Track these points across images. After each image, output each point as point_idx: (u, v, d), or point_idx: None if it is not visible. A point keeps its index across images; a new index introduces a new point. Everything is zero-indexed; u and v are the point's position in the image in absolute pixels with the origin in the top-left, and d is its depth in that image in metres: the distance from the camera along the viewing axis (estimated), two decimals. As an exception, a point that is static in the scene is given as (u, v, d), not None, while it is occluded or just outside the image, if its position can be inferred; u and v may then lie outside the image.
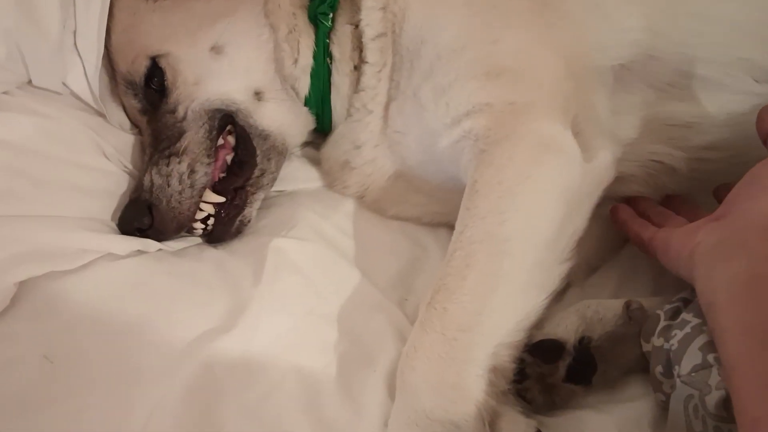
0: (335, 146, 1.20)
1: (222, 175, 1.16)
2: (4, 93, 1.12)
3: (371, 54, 1.12)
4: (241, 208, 1.15)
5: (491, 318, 0.84)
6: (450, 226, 1.09)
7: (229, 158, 1.17)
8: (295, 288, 1.02)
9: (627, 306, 0.93)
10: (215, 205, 1.13)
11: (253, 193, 1.17)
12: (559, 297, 0.99)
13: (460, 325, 0.84)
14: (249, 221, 1.17)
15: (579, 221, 0.93)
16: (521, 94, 0.97)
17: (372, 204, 1.21)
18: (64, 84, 1.17)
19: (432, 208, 1.19)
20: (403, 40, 1.07)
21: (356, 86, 1.16)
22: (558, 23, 1.03)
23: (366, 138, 1.15)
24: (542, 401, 0.90)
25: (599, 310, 0.94)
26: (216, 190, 1.14)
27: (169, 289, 1.01)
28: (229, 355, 0.91)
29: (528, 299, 0.87)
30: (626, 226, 1.02)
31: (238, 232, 1.16)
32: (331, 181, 1.23)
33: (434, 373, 0.82)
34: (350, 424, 0.87)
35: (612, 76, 1.04)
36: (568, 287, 1.06)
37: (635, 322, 0.92)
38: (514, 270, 0.87)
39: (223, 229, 1.14)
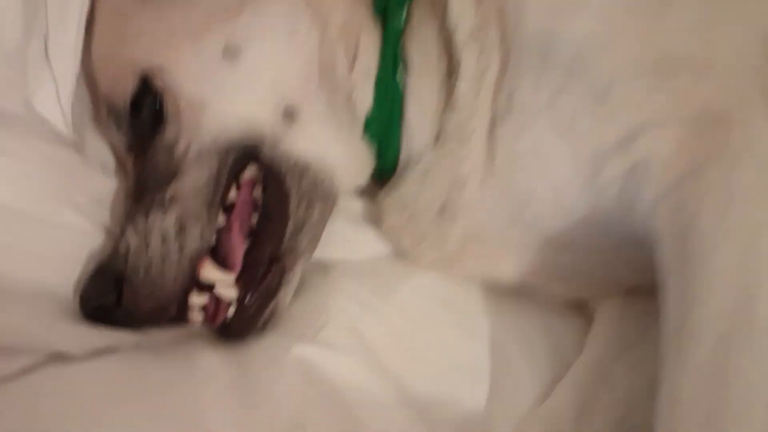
0: (424, 186, 0.87)
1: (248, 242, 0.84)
2: (-56, 116, 0.83)
3: (467, 58, 0.82)
4: (273, 291, 0.82)
5: None
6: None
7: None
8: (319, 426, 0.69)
9: None
10: (239, 285, 0.81)
11: (292, 267, 0.83)
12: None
13: None
14: (281, 310, 0.84)
15: None
16: (713, 94, 0.71)
17: (479, 267, 0.88)
18: (28, 105, 0.87)
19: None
20: (518, 37, 0.79)
21: (446, 103, 0.85)
22: None
23: (469, 170, 0.83)
24: None
25: None
26: (244, 266, 0.82)
27: (139, 418, 0.69)
28: None
29: None
30: None
31: (265, 326, 0.82)
32: (414, 240, 0.89)
33: None
34: None
35: None
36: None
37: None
38: None
39: (248, 323, 0.81)
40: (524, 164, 0.79)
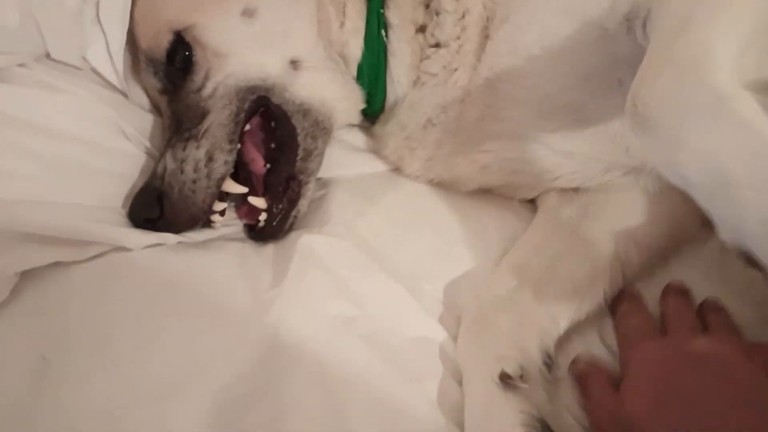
0: (412, 113, 1.08)
1: (268, 166, 1.05)
2: (20, 66, 1.02)
3: (447, 6, 1.01)
4: (294, 201, 1.04)
5: None
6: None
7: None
8: (322, 290, 0.91)
9: None
10: (267, 199, 1.03)
11: (306, 183, 1.05)
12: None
13: None
14: (301, 216, 1.06)
15: None
16: None
17: (449, 170, 1.08)
18: (84, 59, 1.07)
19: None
20: None
21: (422, 52, 1.05)
22: None
23: (454, 95, 1.03)
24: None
25: None
26: (266, 184, 1.04)
27: (186, 287, 0.91)
28: (249, 367, 0.82)
29: None
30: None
31: (291, 229, 1.04)
32: (404, 150, 1.10)
33: None
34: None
35: None
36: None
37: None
38: None
39: (277, 227, 1.03)
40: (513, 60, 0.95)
